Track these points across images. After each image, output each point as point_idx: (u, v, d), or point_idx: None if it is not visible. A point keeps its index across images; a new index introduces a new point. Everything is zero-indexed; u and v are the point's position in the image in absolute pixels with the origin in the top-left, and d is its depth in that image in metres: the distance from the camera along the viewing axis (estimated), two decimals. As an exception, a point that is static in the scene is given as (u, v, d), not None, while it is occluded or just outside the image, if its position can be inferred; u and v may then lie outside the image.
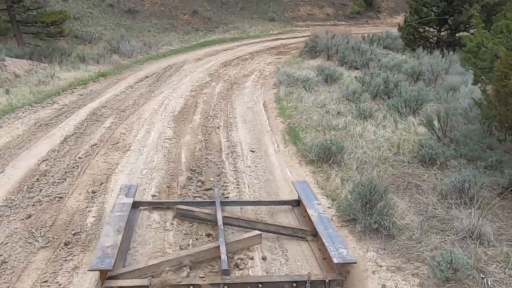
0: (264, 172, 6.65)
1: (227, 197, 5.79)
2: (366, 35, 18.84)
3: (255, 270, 4.31)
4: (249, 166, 6.86)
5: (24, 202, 5.56)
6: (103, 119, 9.09)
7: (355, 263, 4.11)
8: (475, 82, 7.06)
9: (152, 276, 3.94)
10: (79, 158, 6.99)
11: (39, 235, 4.83)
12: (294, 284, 3.94)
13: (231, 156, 7.27)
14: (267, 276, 4.15)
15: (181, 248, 4.62)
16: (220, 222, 4.75)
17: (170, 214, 5.30)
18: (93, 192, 5.83)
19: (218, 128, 8.79)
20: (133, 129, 8.51)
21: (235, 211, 5.40)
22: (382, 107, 9.74)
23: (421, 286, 3.99)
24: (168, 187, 6.05)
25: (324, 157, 6.70)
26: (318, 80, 12.29)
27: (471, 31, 15.65)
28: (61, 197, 5.66)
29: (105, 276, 3.88)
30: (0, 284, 4.02)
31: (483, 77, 6.94)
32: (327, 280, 3.96)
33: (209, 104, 10.59)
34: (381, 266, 4.29)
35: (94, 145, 7.57)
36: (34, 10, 16.92)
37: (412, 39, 17.25)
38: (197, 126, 8.84)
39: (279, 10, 31.08)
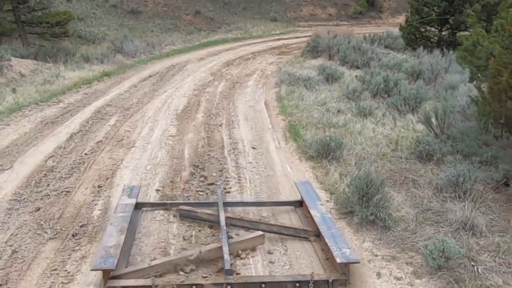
0: (265, 168, 6.82)
1: (229, 192, 5.97)
2: (367, 35, 18.98)
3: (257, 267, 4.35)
4: (251, 162, 7.03)
5: (33, 196, 5.75)
6: (108, 117, 9.28)
7: (358, 262, 4.10)
8: (471, 80, 7.22)
9: (155, 276, 3.96)
10: (85, 154, 7.18)
11: (47, 227, 5.01)
12: (297, 284, 3.92)
13: (233, 152, 7.45)
14: (270, 276, 4.14)
15: (184, 239, 4.80)
16: (222, 222, 4.75)
17: (175, 207, 5.48)
18: (99, 186, 6.02)
19: (220, 126, 8.97)
20: (137, 127, 8.70)
21: (238, 211, 5.37)
22: (382, 105, 9.91)
23: (415, 274, 4.16)
24: (171, 182, 6.23)
25: (324, 153, 6.87)
26: (319, 79, 12.47)
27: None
28: (68, 191, 5.85)
29: (108, 275, 3.89)
30: (11, 272, 4.20)
31: (479, 75, 7.10)
32: (330, 280, 3.93)
33: (212, 103, 10.77)
34: (376, 256, 4.46)
35: (99, 142, 7.76)
36: (39, 10, 17.13)
37: (413, 38, 17.37)
38: (200, 124, 9.02)
39: (281, 10, 31.23)
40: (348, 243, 4.39)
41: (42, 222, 5.09)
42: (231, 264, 4.17)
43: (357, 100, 10.19)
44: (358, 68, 14.55)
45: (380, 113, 9.31)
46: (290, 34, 25.98)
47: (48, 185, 6.07)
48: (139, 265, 4.21)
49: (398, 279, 4.11)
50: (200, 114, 9.79)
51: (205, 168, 6.74)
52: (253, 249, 4.57)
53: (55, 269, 4.25)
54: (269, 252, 4.56)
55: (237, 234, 4.83)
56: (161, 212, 5.36)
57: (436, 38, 17.49)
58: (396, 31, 19.33)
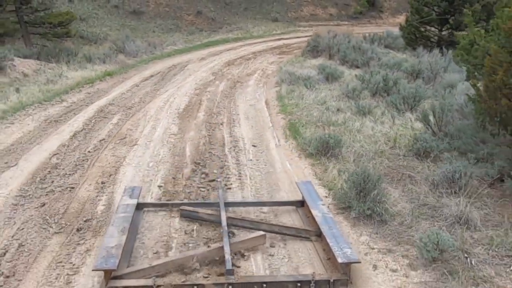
0: (265, 165, 6.94)
1: (230, 188, 6.10)
2: (367, 34, 19.11)
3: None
4: (251, 160, 7.15)
5: (38, 192, 5.88)
6: (110, 116, 9.42)
7: (360, 262, 4.10)
8: (468, 78, 7.33)
9: (157, 276, 3.97)
10: (88, 152, 7.31)
11: (52, 221, 5.14)
12: (299, 284, 3.92)
13: (234, 150, 7.57)
14: (271, 276, 4.14)
15: (185, 233, 4.92)
16: (224, 223, 4.77)
17: (177, 201, 5.61)
18: (102, 183, 6.15)
19: (221, 124, 9.09)
20: (139, 125, 8.83)
21: (239, 211, 5.39)
22: (381, 104, 10.03)
23: (410, 266, 4.28)
24: (173, 178, 6.36)
25: (323, 150, 6.99)
26: (319, 78, 12.59)
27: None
28: (73, 188, 5.99)
29: (110, 276, 3.91)
30: (18, 265, 4.33)
31: (476, 73, 7.21)
32: (331, 280, 3.93)
33: (213, 102, 10.90)
34: (373, 249, 4.58)
35: (102, 140, 7.89)
36: (42, 11, 17.29)
37: (414, 38, 17.48)
38: (201, 123, 9.14)
39: (282, 10, 31.36)
40: (350, 243, 4.39)
41: (47, 217, 5.22)
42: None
43: (357, 99, 10.31)
44: (358, 67, 14.67)
45: (379, 111, 9.42)
46: (291, 34, 26.11)
47: (53, 181, 6.20)
48: (141, 265, 4.22)
49: (394, 271, 4.23)
50: (202, 113, 9.92)
51: (206, 165, 6.86)
52: (255, 249, 4.57)
53: (61, 262, 4.37)
54: (270, 253, 4.55)
55: (238, 234, 4.83)
56: (163, 207, 5.49)
57: (436, 38, 17.59)
58: (396, 30, 19.45)
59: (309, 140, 7.46)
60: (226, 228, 4.66)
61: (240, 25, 27.44)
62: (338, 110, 9.58)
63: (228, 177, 6.44)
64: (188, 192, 5.92)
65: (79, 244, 4.71)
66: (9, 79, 12.48)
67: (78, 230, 4.97)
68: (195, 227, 5.04)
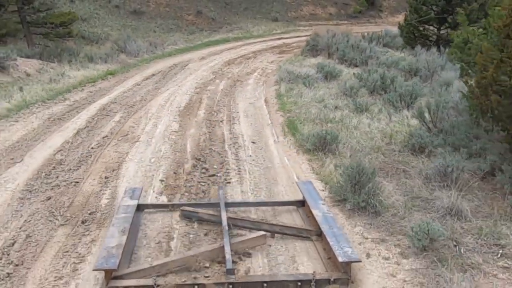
0: (264, 161, 7.13)
1: (229, 182, 6.28)
2: (366, 33, 19.28)
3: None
4: (250, 155, 7.33)
5: (43, 186, 6.07)
6: (112, 114, 9.61)
7: (360, 261, 4.13)
8: (461, 75, 7.51)
9: (157, 276, 3.98)
10: (92, 148, 7.50)
11: (58, 214, 5.33)
12: (299, 283, 3.92)
13: (234, 146, 7.76)
14: (272, 275, 4.14)
15: (186, 225, 5.10)
16: (224, 223, 4.78)
17: (177, 196, 5.80)
18: (106, 177, 6.34)
19: (221, 121, 9.28)
20: (141, 123, 9.02)
21: (240, 212, 5.39)
22: (378, 101, 10.21)
23: (402, 255, 4.46)
24: (174, 173, 6.54)
25: (320, 146, 7.18)
26: (318, 77, 12.77)
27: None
28: (77, 182, 6.18)
29: (110, 276, 3.92)
30: (26, 254, 4.52)
31: (469, 71, 7.41)
32: (332, 279, 3.93)
33: (213, 100, 11.09)
34: (366, 238, 4.77)
35: (105, 137, 8.08)
36: (44, 11, 17.48)
37: (412, 37, 17.65)
38: (202, 120, 9.33)
39: (282, 10, 31.55)
40: (350, 242, 4.39)
41: (53, 210, 5.41)
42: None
43: (354, 97, 10.49)
44: (356, 66, 14.86)
45: (376, 109, 9.60)
46: (290, 34, 26.30)
47: (58, 176, 6.39)
48: (141, 265, 4.24)
49: (386, 259, 4.41)
50: (202, 110, 10.11)
51: (206, 161, 7.05)
52: (255, 249, 4.58)
53: (67, 251, 4.56)
54: (271, 252, 4.57)
55: (239, 234, 4.84)
56: (165, 200, 5.68)
57: (434, 36, 17.77)
58: (394, 30, 19.64)
59: (306, 136, 7.65)
60: (226, 228, 4.68)
61: (240, 24, 27.63)
62: (336, 107, 9.76)
63: (228, 172, 6.63)
64: (189, 186, 6.11)
65: (84, 235, 4.90)
66: (12, 79, 12.67)
67: (83, 222, 5.16)
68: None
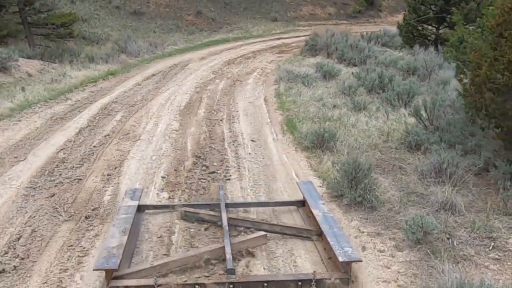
0: (263, 158, 7.26)
1: (229, 179, 6.41)
2: (364, 33, 19.41)
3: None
4: (250, 153, 7.47)
5: (47, 184, 6.20)
6: (114, 113, 9.74)
7: (361, 261, 4.15)
8: (457, 74, 7.64)
9: (158, 276, 3.99)
10: (94, 146, 7.63)
11: (62, 210, 5.46)
12: (300, 283, 3.92)
13: (233, 144, 7.89)
14: (272, 275, 4.16)
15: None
16: (225, 223, 4.80)
17: (178, 192, 5.94)
18: (108, 175, 6.47)
19: (221, 120, 9.41)
20: (142, 122, 9.16)
21: (240, 212, 5.43)
22: (376, 100, 10.34)
23: (396, 247, 4.60)
24: (175, 170, 6.68)
25: (318, 143, 7.31)
26: (316, 76, 12.90)
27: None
28: (80, 179, 6.31)
29: (111, 276, 3.93)
30: (32, 248, 4.65)
31: (465, 69, 7.53)
32: (332, 279, 3.94)
33: (213, 99, 11.22)
34: (362, 232, 4.90)
35: (107, 135, 8.21)
36: (45, 12, 17.61)
37: (411, 37, 17.77)
38: (202, 119, 9.46)
39: (282, 10, 31.68)
40: (350, 241, 4.41)
41: (57, 206, 5.54)
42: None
43: (353, 96, 10.62)
44: (355, 65, 14.97)
45: (374, 107, 9.74)
46: (290, 34, 26.43)
47: (61, 174, 6.52)
48: (142, 265, 4.27)
49: (381, 251, 4.55)
50: (202, 110, 10.24)
51: (206, 159, 7.18)
52: (256, 249, 4.60)
53: (71, 245, 4.69)
54: (272, 252, 4.59)
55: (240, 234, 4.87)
56: (166, 196, 5.82)
57: (433, 36, 17.89)
58: (393, 29, 19.77)
59: (305, 134, 7.78)
60: (227, 228, 4.70)
61: (240, 25, 27.75)
62: (334, 106, 9.90)
63: (228, 169, 6.76)
64: (190, 183, 6.24)
65: (88, 230, 5.03)
66: (14, 79, 12.80)
67: (86, 217, 5.29)
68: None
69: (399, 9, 32.71)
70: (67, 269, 4.28)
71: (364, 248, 4.61)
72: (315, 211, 4.94)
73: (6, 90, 11.28)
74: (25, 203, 5.65)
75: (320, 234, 4.71)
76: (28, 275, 4.22)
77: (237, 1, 30.72)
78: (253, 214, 5.44)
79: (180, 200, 5.71)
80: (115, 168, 6.70)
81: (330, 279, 3.94)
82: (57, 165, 6.87)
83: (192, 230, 4.99)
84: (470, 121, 7.65)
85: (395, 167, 6.59)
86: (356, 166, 5.48)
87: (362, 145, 7.44)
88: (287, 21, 30.38)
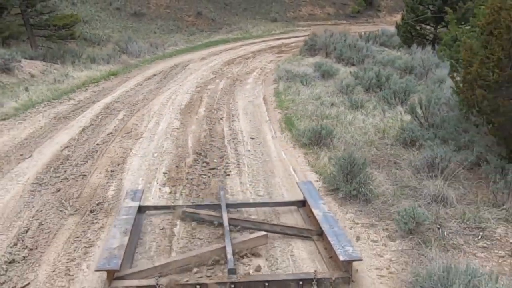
0: (262, 155, 7.46)
1: (229, 175, 6.61)
2: (363, 33, 19.61)
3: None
4: (249, 150, 7.67)
5: (53, 180, 6.41)
6: (116, 112, 9.95)
7: (361, 260, 4.19)
8: (451, 72, 7.83)
9: (159, 276, 4.00)
10: (97, 144, 7.83)
11: (68, 204, 5.66)
12: (300, 282, 3.94)
13: (233, 142, 8.09)
14: (273, 274, 4.19)
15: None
16: (226, 223, 4.82)
17: (180, 187, 6.14)
18: (112, 171, 6.68)
19: (221, 119, 9.61)
20: (144, 121, 9.36)
21: (241, 212, 5.48)
22: (373, 98, 10.55)
23: (389, 238, 4.80)
24: (177, 166, 6.88)
25: (315, 140, 7.51)
26: (315, 75, 13.12)
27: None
28: (85, 175, 6.51)
29: (112, 276, 3.96)
30: (40, 240, 4.85)
31: (458, 67, 7.72)
32: (333, 278, 3.96)
33: (213, 99, 11.42)
34: (357, 224, 5.10)
35: (109, 133, 8.42)
36: (47, 14, 17.83)
37: (409, 36, 17.96)
38: (202, 118, 9.67)
39: (281, 10, 31.91)
40: (351, 241, 4.44)
41: (63, 201, 5.74)
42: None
43: (350, 94, 10.82)
44: (353, 65, 15.18)
45: (371, 105, 9.94)
46: (289, 34, 26.64)
47: (66, 170, 6.72)
48: (143, 265, 4.31)
49: (375, 241, 4.75)
50: (202, 108, 10.44)
51: (207, 156, 7.38)
52: (257, 249, 4.63)
53: (78, 237, 4.89)
54: (272, 252, 4.63)
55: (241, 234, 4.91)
56: (168, 190, 6.02)
57: (431, 35, 18.08)
58: (392, 29, 19.97)
59: (303, 131, 7.97)
60: (228, 228, 4.73)
61: (240, 25, 27.97)
62: (332, 104, 10.10)
63: (228, 165, 6.96)
64: (191, 179, 6.44)
65: (93, 223, 5.23)
66: (17, 80, 13.02)
67: (91, 211, 5.49)
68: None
69: (397, 9, 32.91)
70: (74, 258, 4.49)
71: (358, 238, 4.80)
72: (315, 211, 4.97)
73: (10, 91, 11.50)
74: (32, 198, 5.85)
75: (321, 234, 4.74)
76: (37, 264, 4.42)
77: (237, 2, 30.95)
78: (254, 214, 5.50)
79: (181, 195, 5.91)
80: (118, 165, 6.90)
81: (331, 278, 3.96)
82: (62, 162, 7.07)
83: (193, 223, 5.18)
84: (464, 118, 7.83)
85: (390, 162, 6.79)
86: (351, 161, 5.67)
87: (359, 141, 7.65)
88: (287, 22, 30.60)
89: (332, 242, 4.28)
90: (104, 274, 4.06)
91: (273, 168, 6.89)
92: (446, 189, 5.54)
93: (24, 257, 4.53)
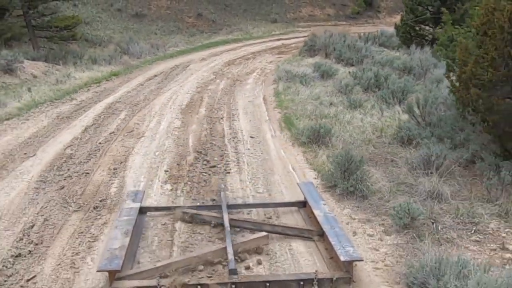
0: (261, 153, 7.59)
1: (229, 172, 6.75)
2: (362, 34, 19.75)
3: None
4: (249, 149, 7.80)
5: (56, 178, 6.55)
6: (118, 112, 10.09)
7: (362, 260, 4.22)
8: (447, 71, 7.97)
9: (160, 277, 4.03)
10: (100, 143, 7.97)
11: (72, 201, 5.80)
12: (301, 283, 3.95)
13: (233, 140, 8.23)
14: (274, 275, 4.19)
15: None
16: (226, 224, 4.82)
17: (181, 184, 6.28)
18: (114, 169, 6.82)
19: (221, 118, 9.75)
20: (145, 120, 9.50)
21: (242, 213, 5.49)
22: (372, 98, 10.68)
23: (385, 232, 4.93)
24: (178, 164, 7.02)
25: (314, 139, 7.65)
26: (314, 76, 13.25)
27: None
28: (88, 173, 6.65)
29: (114, 277, 3.97)
30: (45, 235, 4.99)
31: (455, 67, 7.86)
32: (334, 278, 3.96)
33: (214, 99, 11.56)
34: (354, 219, 5.24)
35: (112, 133, 8.56)
36: (48, 15, 17.97)
37: (409, 37, 18.07)
38: (203, 117, 9.80)
39: (281, 11, 32.03)
40: (352, 241, 4.45)
41: (67, 198, 5.88)
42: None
43: (349, 94, 10.95)
44: (352, 65, 15.30)
45: (369, 105, 10.08)
46: (289, 35, 26.75)
47: (69, 168, 6.86)
48: (145, 266, 4.34)
49: (371, 236, 4.88)
50: (203, 108, 10.58)
51: (207, 154, 7.52)
52: (258, 250, 4.66)
53: (82, 232, 5.03)
54: (273, 252, 4.65)
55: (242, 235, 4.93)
56: (169, 187, 6.15)
57: (430, 36, 18.20)
58: (391, 30, 20.10)
59: (302, 130, 8.11)
60: (228, 229, 4.74)
61: (240, 26, 28.11)
62: (330, 104, 10.24)
63: (228, 164, 7.10)
64: (192, 176, 6.58)
65: (96, 219, 5.37)
66: (20, 80, 13.16)
67: (95, 208, 5.63)
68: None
69: (397, 10, 33.01)
70: (79, 252, 4.62)
71: (354, 233, 4.94)
72: (316, 212, 4.99)
73: (13, 91, 11.64)
74: (36, 195, 5.99)
75: (322, 234, 4.76)
76: (43, 258, 4.55)
77: (237, 3, 31.09)
78: (254, 214, 5.54)
79: (182, 192, 6.04)
80: (120, 163, 7.04)
81: (332, 278, 3.98)
82: (65, 160, 7.21)
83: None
84: (461, 117, 7.96)
85: (387, 160, 6.92)
86: (348, 158, 5.81)
87: (357, 140, 7.78)
88: (287, 22, 30.72)
89: (333, 243, 4.31)
90: None
91: (273, 166, 7.03)
92: (441, 185, 5.67)
93: (30, 251, 4.67)
